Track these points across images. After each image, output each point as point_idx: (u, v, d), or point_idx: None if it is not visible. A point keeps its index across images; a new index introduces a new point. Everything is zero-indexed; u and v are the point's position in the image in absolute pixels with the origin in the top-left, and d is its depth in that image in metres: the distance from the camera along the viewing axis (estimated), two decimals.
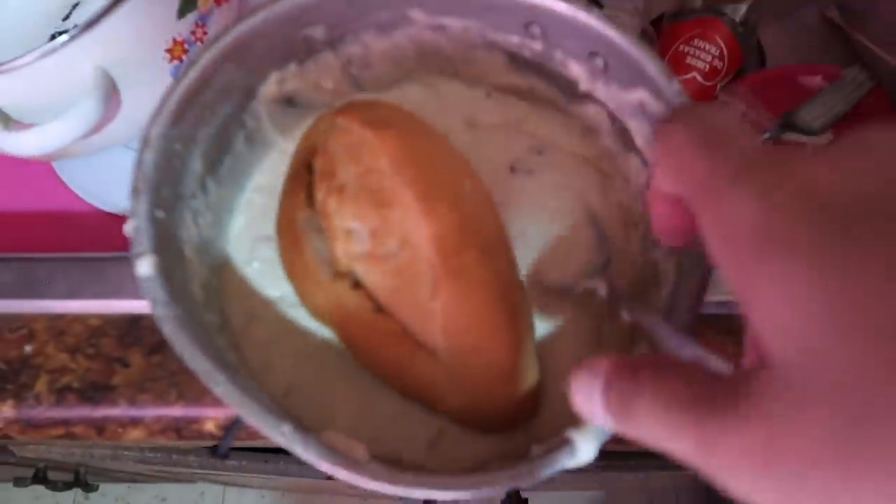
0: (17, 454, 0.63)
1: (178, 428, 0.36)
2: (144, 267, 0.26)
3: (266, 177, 0.35)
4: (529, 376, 0.28)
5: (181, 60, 0.41)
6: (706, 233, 0.18)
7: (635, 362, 0.20)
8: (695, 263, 0.27)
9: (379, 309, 0.28)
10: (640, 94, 0.29)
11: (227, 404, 0.25)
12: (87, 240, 0.48)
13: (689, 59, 0.55)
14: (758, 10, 0.55)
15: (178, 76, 0.29)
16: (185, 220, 0.30)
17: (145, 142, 0.28)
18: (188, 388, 0.36)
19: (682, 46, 0.56)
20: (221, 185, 0.33)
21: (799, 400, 0.15)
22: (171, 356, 0.36)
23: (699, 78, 0.55)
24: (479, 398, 0.28)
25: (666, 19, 0.58)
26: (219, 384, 0.25)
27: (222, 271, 0.33)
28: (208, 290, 0.31)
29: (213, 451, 0.35)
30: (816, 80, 0.54)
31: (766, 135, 0.51)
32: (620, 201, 0.32)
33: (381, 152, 0.28)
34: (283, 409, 0.29)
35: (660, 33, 0.58)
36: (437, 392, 0.28)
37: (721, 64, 0.55)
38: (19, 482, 0.78)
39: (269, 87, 0.33)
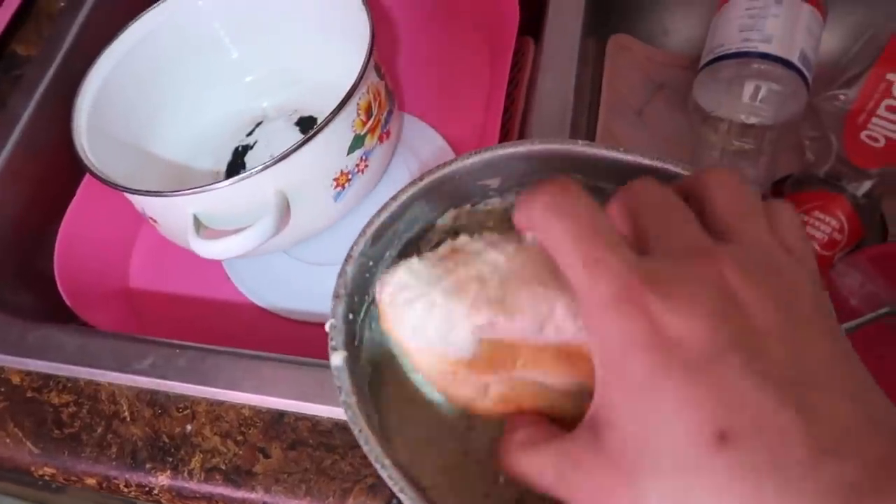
0: None
1: None
2: (337, 359, 0.32)
3: None
4: None
5: (343, 188, 0.49)
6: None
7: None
8: None
9: None
10: None
11: (388, 486, 0.29)
12: (241, 328, 0.55)
13: (808, 230, 0.58)
14: (881, 185, 0.58)
15: (381, 207, 0.35)
16: (365, 324, 0.36)
17: (349, 257, 0.34)
18: (317, 486, 0.40)
19: (802, 216, 0.59)
20: None
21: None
22: (306, 454, 0.41)
23: (817, 248, 0.57)
24: None
25: (789, 186, 0.61)
26: (385, 468, 0.30)
27: (382, 373, 0.38)
28: (371, 388, 0.36)
29: None
30: None
31: (886, 309, 0.52)
32: None
33: None
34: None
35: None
36: None
37: (840, 237, 0.57)
38: None
39: (445, 221, 0.39)
